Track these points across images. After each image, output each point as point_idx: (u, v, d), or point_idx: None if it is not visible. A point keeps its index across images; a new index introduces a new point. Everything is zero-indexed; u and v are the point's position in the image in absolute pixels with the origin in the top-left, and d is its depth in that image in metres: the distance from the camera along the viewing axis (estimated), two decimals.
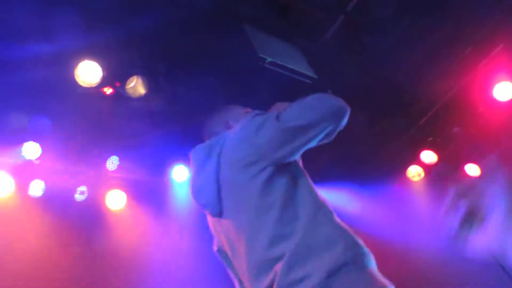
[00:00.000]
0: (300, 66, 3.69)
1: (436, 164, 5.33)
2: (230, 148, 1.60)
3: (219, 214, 1.64)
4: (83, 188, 4.14)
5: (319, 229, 1.42)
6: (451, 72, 4.52)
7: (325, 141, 1.62)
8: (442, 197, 5.19)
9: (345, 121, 1.58)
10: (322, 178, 5.12)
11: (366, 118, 4.80)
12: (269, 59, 3.30)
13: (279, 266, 1.35)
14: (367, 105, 4.60)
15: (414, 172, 5.48)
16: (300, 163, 1.69)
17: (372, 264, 1.44)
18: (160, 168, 4.37)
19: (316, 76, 4.02)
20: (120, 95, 3.53)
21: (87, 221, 4.27)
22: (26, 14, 2.85)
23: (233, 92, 3.65)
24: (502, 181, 4.26)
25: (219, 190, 1.61)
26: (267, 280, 1.39)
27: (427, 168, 5.45)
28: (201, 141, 1.92)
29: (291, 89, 3.99)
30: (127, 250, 4.38)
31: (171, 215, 4.52)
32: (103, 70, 3.34)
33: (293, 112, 1.53)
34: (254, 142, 1.52)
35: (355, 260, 1.36)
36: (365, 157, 5.19)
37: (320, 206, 1.52)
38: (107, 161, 4.14)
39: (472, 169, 5.47)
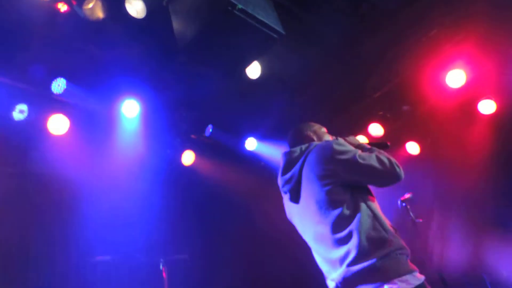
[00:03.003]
0: (270, 20, 3.60)
1: (381, 138, 5.54)
2: (312, 160, 2.16)
3: (296, 200, 2.26)
4: (23, 106, 3.89)
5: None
6: (411, 52, 4.62)
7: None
8: None
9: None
10: (275, 135, 5.22)
11: (323, 86, 4.88)
12: (240, 6, 3.17)
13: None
14: (325, 75, 4.66)
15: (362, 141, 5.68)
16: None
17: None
18: (110, 99, 4.19)
19: (284, 32, 3.96)
20: (76, 15, 3.28)
21: (24, 142, 4.08)
22: None
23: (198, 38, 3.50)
24: None
25: (299, 184, 2.22)
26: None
27: (372, 140, 5.67)
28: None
29: (257, 42, 3.92)
30: (63, 176, 4.26)
31: (115, 150, 4.41)
32: None
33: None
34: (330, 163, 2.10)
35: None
36: (320, 120, 5.29)
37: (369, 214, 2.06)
38: (53, 82, 3.89)
39: (413, 147, 5.78)
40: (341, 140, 2.21)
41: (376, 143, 2.53)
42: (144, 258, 4.25)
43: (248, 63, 4.30)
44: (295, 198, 2.24)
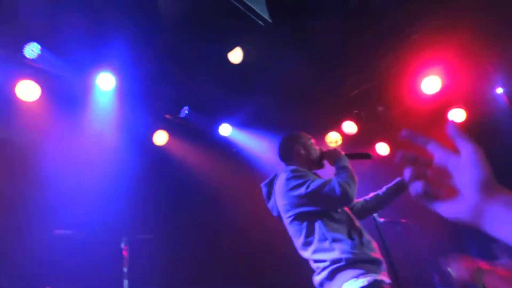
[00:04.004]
0: (258, 7, 3.57)
1: (353, 136, 5.64)
2: (276, 195, 2.48)
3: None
4: None
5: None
6: (393, 54, 4.69)
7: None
8: None
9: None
10: (251, 123, 5.21)
11: (302, 80, 4.89)
12: None
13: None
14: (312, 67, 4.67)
15: (333, 138, 5.75)
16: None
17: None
18: (86, 70, 4.04)
19: (270, 20, 3.93)
20: None
21: None
22: None
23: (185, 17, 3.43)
24: None
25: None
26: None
27: (345, 137, 5.76)
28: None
29: (243, 28, 3.88)
30: (29, 145, 4.10)
31: (86, 122, 4.28)
32: None
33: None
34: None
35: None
36: (296, 112, 5.32)
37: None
38: (26, 47, 3.71)
39: (383, 148, 5.91)
40: (296, 170, 2.39)
41: (358, 154, 2.60)
42: (107, 235, 4.18)
43: (231, 47, 4.26)
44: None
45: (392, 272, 3.28)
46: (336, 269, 2.12)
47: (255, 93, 5.00)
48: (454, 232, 5.22)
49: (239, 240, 5.17)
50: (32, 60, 3.71)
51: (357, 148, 5.91)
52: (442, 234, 5.15)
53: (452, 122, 0.75)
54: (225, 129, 5.18)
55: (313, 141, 2.68)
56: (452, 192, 0.74)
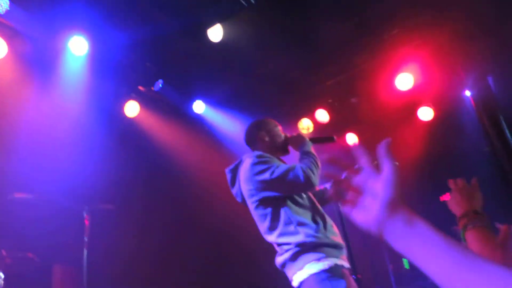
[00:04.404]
0: None
1: (325, 125, 5.71)
2: (241, 180, 2.49)
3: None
4: None
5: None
6: (371, 47, 4.75)
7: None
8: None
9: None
10: (225, 103, 5.18)
11: (280, 65, 4.89)
12: None
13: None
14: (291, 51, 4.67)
15: (305, 125, 5.80)
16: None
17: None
18: (58, 31, 3.87)
19: (253, 1, 3.88)
20: None
21: None
22: None
23: None
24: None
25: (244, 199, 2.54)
26: None
27: (316, 125, 5.82)
28: None
29: (226, 5, 3.82)
30: None
31: (55, 86, 4.12)
32: None
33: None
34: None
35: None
36: (272, 96, 5.32)
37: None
38: None
39: (352, 139, 6.02)
40: (261, 155, 2.43)
41: (323, 138, 2.64)
42: (68, 203, 4.09)
43: (212, 24, 4.18)
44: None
45: (350, 258, 3.40)
46: (300, 251, 2.19)
47: (232, 73, 4.96)
48: None
49: (204, 216, 5.18)
50: (0, 15, 3.51)
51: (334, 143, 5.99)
52: None
53: (384, 142, 0.85)
54: (199, 107, 5.12)
55: (279, 128, 2.71)
56: (365, 206, 0.84)
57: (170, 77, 4.78)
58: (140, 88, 4.85)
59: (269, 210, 2.33)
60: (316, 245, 2.18)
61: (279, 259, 2.30)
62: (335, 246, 2.25)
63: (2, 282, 3.42)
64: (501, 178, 4.91)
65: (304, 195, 2.43)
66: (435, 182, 4.99)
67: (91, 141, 4.50)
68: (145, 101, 4.93)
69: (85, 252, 3.57)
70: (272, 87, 5.19)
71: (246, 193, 2.42)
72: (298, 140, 2.56)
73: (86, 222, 3.71)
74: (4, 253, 3.36)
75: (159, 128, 5.06)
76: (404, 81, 5.13)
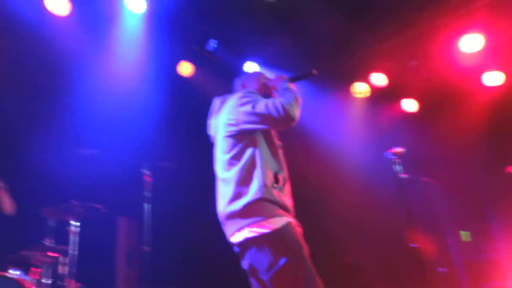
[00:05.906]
0: None
1: (381, 89, 5.50)
2: (224, 110, 2.43)
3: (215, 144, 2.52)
4: None
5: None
6: (432, 6, 4.43)
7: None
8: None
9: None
10: (277, 63, 5.14)
11: (335, 25, 4.73)
12: None
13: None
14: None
15: (359, 88, 5.63)
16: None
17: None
18: None
19: None
20: None
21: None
22: None
23: None
24: None
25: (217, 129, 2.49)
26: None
27: (372, 89, 5.63)
28: None
29: None
30: (57, 59, 4.19)
31: (114, 43, 4.30)
32: None
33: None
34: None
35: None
36: (324, 59, 5.20)
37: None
38: None
39: (410, 104, 5.76)
40: (250, 91, 2.43)
41: (301, 75, 2.57)
42: (130, 159, 4.29)
43: None
44: (215, 142, 2.51)
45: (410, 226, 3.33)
46: (252, 203, 2.14)
47: (285, 34, 4.89)
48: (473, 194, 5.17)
49: None
50: None
51: (384, 102, 5.78)
52: (459, 194, 5.13)
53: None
54: (251, 67, 5.12)
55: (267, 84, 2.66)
56: None
57: (224, 37, 4.81)
58: (194, 48, 4.93)
59: (239, 145, 2.30)
60: (271, 201, 2.16)
61: (230, 208, 2.22)
62: (287, 208, 2.23)
63: (79, 229, 3.72)
64: None
65: (279, 149, 2.42)
66: (502, 152, 4.72)
67: (148, 100, 4.68)
68: (199, 61, 5.02)
69: (147, 206, 3.76)
70: (326, 47, 5.06)
71: (224, 123, 2.38)
72: (278, 83, 2.52)
73: (147, 178, 3.88)
74: (75, 202, 3.62)
75: (211, 88, 5.14)
76: (470, 43, 4.79)
